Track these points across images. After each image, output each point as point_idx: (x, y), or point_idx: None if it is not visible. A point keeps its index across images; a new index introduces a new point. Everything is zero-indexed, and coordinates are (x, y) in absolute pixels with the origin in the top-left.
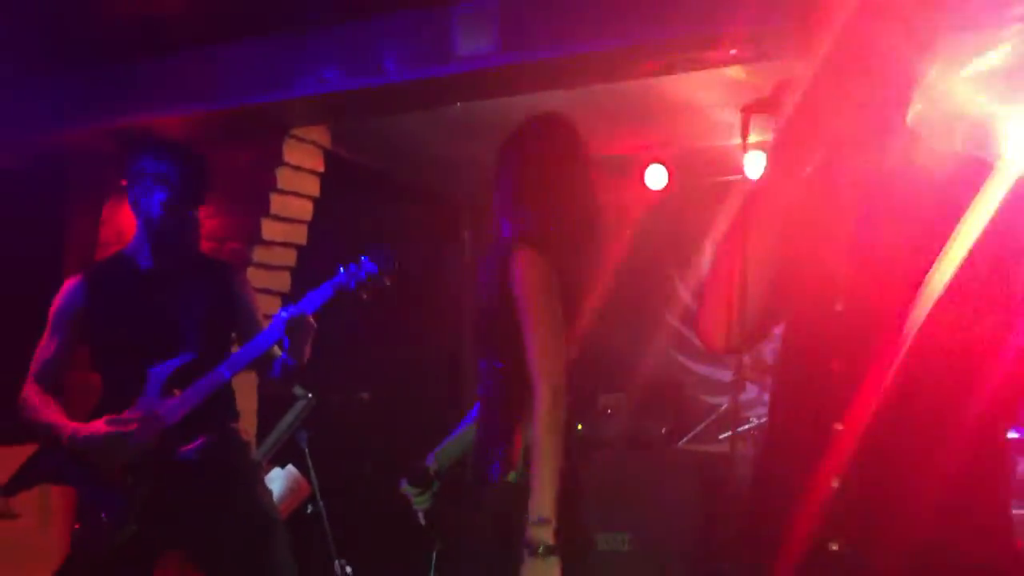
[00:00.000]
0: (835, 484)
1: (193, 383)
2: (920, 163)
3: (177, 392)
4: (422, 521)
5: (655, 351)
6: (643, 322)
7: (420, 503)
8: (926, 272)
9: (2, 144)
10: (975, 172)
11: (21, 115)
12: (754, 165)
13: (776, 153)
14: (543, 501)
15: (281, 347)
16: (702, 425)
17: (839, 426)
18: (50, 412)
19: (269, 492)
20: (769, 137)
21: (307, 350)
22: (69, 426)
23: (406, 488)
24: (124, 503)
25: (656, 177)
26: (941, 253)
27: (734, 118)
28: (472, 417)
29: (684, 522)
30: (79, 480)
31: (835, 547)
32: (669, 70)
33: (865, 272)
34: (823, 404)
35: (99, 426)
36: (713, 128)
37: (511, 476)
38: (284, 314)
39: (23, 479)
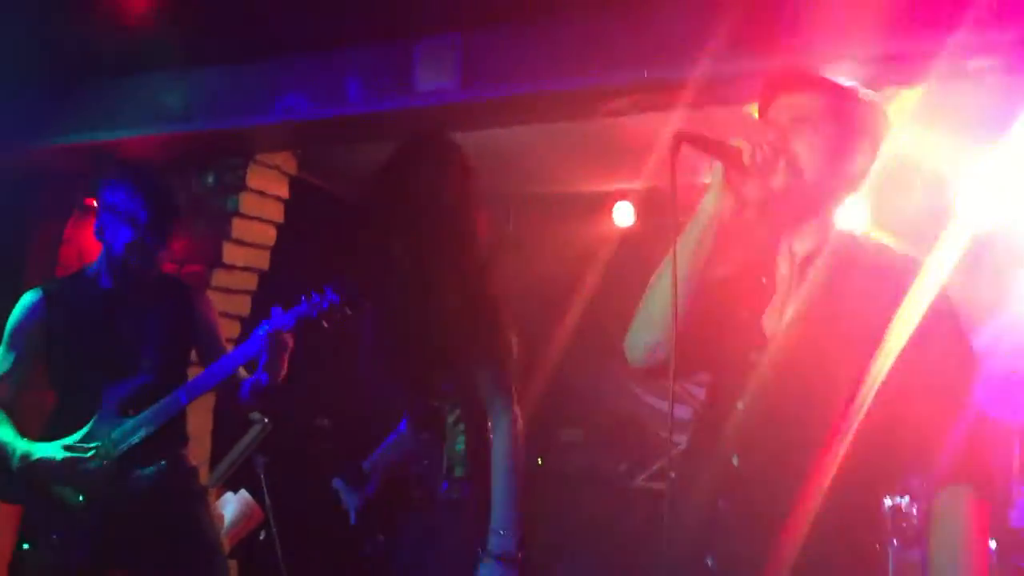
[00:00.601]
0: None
1: (149, 405)
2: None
3: (132, 413)
4: (352, 519)
5: (617, 387)
6: (606, 357)
7: (351, 500)
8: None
9: None
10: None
11: None
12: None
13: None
14: (510, 512)
15: (254, 366)
16: (660, 463)
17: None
18: (3, 428)
19: (213, 520)
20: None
21: (283, 368)
22: (21, 447)
23: (338, 486)
24: (75, 524)
25: (623, 215)
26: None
27: (700, 157)
28: (402, 430)
29: (638, 559)
30: (28, 499)
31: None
32: (629, 110)
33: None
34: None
35: (55, 451)
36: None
37: (455, 493)
38: (265, 329)
39: None
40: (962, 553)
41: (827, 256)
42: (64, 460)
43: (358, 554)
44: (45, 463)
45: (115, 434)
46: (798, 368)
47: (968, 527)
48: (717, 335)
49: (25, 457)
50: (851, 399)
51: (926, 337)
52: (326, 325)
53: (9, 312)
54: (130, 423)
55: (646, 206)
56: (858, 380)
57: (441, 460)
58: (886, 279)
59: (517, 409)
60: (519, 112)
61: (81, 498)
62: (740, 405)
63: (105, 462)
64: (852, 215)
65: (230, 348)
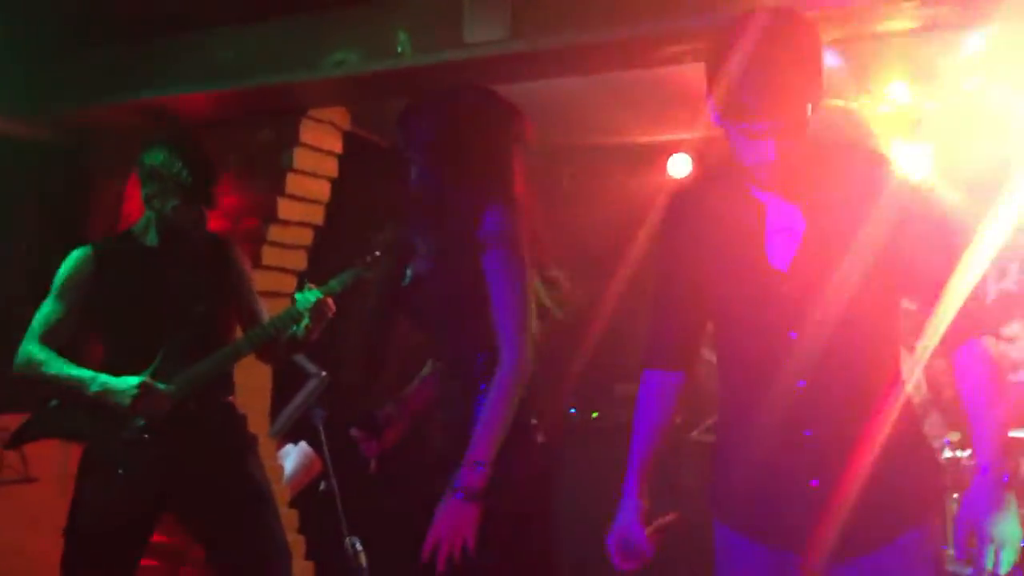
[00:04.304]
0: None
1: (201, 357)
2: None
3: (188, 364)
4: (372, 467)
5: None
6: None
7: (368, 449)
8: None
9: (32, 118)
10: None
11: (50, 90)
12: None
13: None
14: (485, 446)
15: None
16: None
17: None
18: (68, 366)
19: (264, 467)
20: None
21: (318, 332)
22: (95, 377)
23: (354, 432)
24: (139, 460)
25: (679, 166)
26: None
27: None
28: (426, 379)
29: (693, 512)
30: (95, 434)
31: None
32: (684, 58)
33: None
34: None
35: (130, 378)
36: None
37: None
38: (310, 296)
39: (26, 433)
40: (992, 392)
41: (807, 173)
42: (142, 385)
43: (412, 503)
44: (122, 391)
45: (175, 382)
46: (828, 284)
47: (992, 371)
48: (734, 286)
49: (103, 386)
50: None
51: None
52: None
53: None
54: (189, 372)
55: (703, 157)
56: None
57: (470, 408)
58: (860, 174)
59: (525, 352)
60: (571, 63)
61: (145, 436)
62: (793, 335)
63: (173, 396)
64: (915, 163)
65: (284, 303)
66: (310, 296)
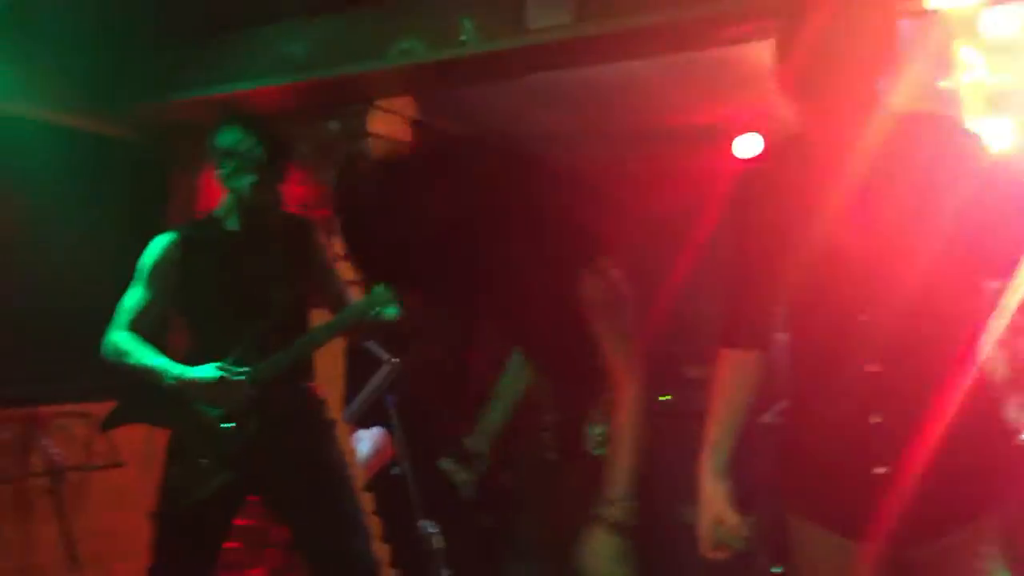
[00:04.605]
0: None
1: (283, 343)
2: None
3: (270, 350)
4: (466, 495)
5: None
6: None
7: (462, 480)
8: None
9: (112, 114)
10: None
11: (129, 86)
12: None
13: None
14: (623, 479)
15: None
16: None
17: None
18: (150, 355)
19: (343, 449)
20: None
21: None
22: (175, 367)
23: (445, 465)
24: (223, 449)
25: (746, 146)
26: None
27: None
28: (503, 388)
29: (767, 496)
30: (178, 423)
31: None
32: (750, 37)
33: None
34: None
35: (209, 370)
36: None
37: (599, 449)
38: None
39: (117, 417)
40: None
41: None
42: (219, 378)
43: (486, 487)
44: (199, 382)
45: (258, 369)
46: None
47: None
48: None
49: (180, 376)
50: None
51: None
52: None
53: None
54: (271, 359)
55: (770, 136)
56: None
57: (582, 413)
58: (939, 148)
59: (641, 379)
60: (636, 45)
61: (227, 425)
62: (864, 317)
63: (253, 387)
64: (995, 137)
65: (354, 290)
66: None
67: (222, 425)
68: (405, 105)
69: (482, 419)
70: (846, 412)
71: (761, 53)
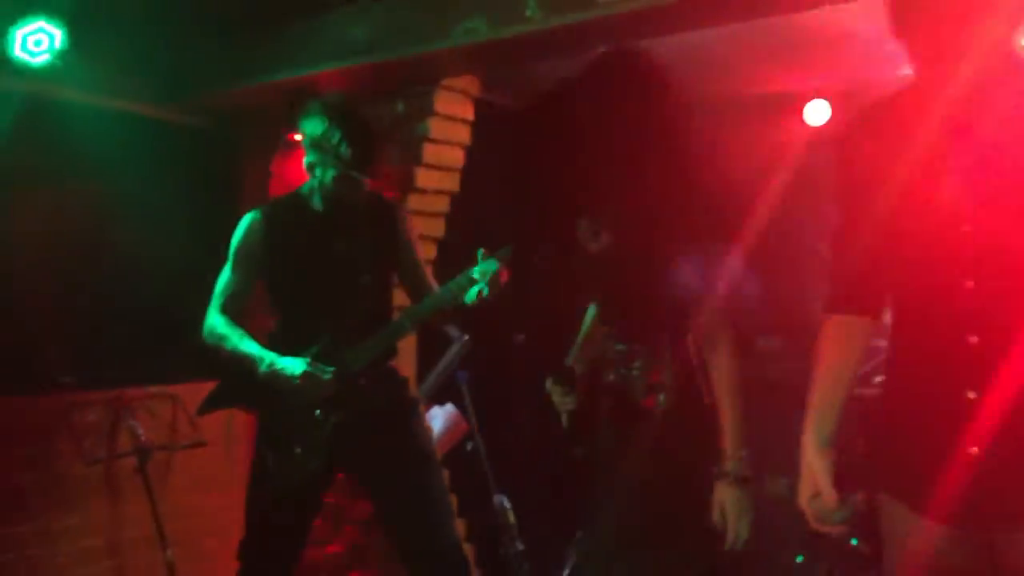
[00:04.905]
0: (973, 451)
1: (372, 327)
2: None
3: (360, 337)
4: (564, 423)
5: (815, 294)
6: (801, 262)
7: (565, 403)
8: None
9: (183, 103)
10: None
11: (196, 75)
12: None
13: None
14: (739, 435)
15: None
16: (865, 367)
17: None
18: (245, 341)
19: (426, 426)
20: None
21: (491, 299)
22: (267, 356)
23: (551, 386)
24: (315, 436)
25: (817, 113)
26: None
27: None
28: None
29: (844, 469)
30: (271, 410)
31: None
32: (817, 3)
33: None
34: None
35: (299, 364)
36: (875, 60)
37: (662, 401)
38: (489, 266)
39: (215, 402)
40: None
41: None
42: (305, 374)
43: (561, 460)
44: (288, 376)
45: (348, 357)
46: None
47: None
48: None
49: (272, 365)
50: None
51: None
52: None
53: (230, 243)
54: (361, 347)
55: (841, 103)
56: None
57: (641, 370)
58: None
59: (731, 330)
60: (706, 14)
61: (318, 413)
62: (970, 284)
63: (340, 382)
64: None
65: (428, 269)
66: (489, 266)
67: (314, 414)
68: (469, 84)
69: (575, 348)
70: (943, 386)
71: (829, 16)
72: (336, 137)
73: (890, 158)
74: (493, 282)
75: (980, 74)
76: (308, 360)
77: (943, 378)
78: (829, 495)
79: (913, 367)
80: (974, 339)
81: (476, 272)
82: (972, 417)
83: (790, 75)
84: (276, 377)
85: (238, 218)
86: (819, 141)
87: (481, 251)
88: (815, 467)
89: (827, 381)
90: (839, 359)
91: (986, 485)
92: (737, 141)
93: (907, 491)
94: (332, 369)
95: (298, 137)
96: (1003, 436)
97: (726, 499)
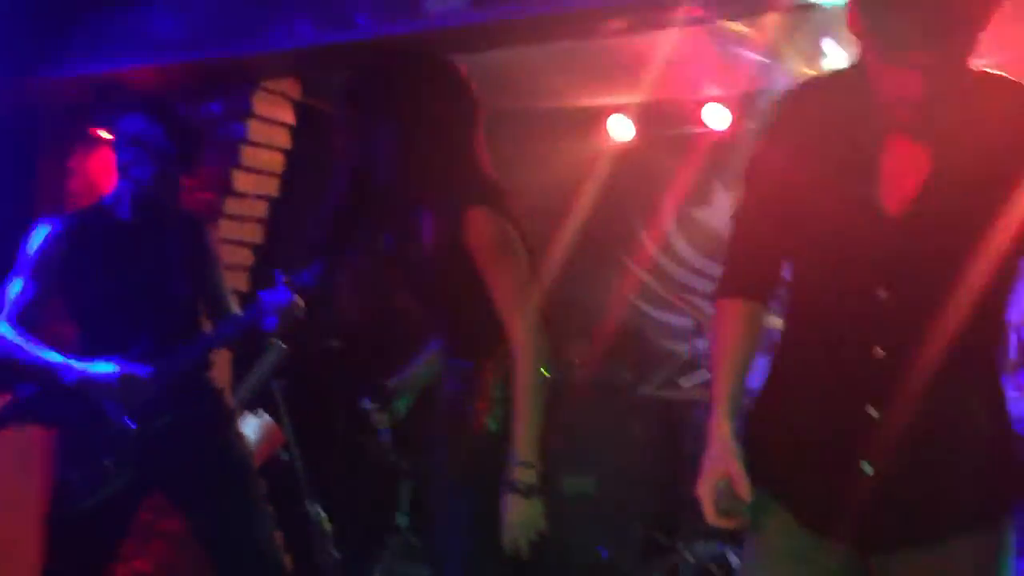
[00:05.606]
0: (873, 414)
1: (182, 336)
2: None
3: (169, 347)
4: (381, 439)
5: (619, 300)
6: (607, 271)
7: (380, 421)
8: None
9: None
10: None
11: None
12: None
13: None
14: (530, 444)
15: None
16: (666, 372)
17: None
18: (43, 351)
19: (243, 437)
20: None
21: (285, 331)
22: (76, 365)
23: (367, 405)
24: (124, 448)
25: (620, 129)
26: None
27: (697, 72)
28: (428, 351)
29: (648, 465)
30: (76, 424)
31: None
32: (636, 28)
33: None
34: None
35: (113, 368)
36: (675, 81)
37: (492, 425)
38: (280, 298)
39: (9, 419)
40: None
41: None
42: (123, 377)
43: (378, 472)
44: (103, 381)
45: (164, 366)
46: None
47: None
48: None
49: (83, 373)
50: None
51: None
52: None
53: (20, 243)
54: (173, 356)
55: (644, 119)
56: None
57: (479, 388)
58: (1006, 112)
59: (541, 334)
60: (529, 33)
61: (129, 422)
62: (883, 293)
63: (153, 384)
64: None
65: (241, 276)
66: (280, 298)
67: (125, 424)
68: (290, 87)
69: (406, 369)
70: (841, 396)
71: (635, 39)
72: (158, 133)
73: (815, 143)
74: (285, 315)
75: (933, 78)
76: (120, 367)
77: (843, 388)
78: (743, 482)
79: (810, 367)
80: (880, 352)
81: (267, 304)
82: (870, 434)
83: (596, 91)
84: (89, 384)
85: (32, 215)
86: (622, 155)
87: (281, 275)
88: (730, 450)
89: (727, 366)
90: (736, 343)
91: (875, 506)
92: (544, 154)
93: (789, 498)
94: (149, 370)
95: (105, 134)
96: (899, 458)
97: (511, 510)
